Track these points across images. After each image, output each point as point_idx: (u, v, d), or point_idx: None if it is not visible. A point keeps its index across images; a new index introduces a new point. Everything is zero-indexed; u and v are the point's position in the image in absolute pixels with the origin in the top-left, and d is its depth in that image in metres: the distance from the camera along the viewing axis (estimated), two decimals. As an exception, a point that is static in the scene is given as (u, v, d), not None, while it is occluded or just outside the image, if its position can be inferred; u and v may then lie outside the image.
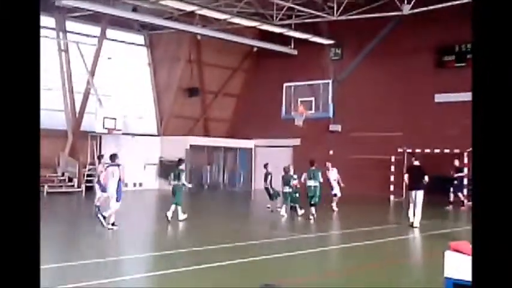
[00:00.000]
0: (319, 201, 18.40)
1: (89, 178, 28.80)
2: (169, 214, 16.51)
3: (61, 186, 27.47)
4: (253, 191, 33.33)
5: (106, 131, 27.70)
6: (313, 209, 17.94)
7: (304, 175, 18.79)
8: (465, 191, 23.05)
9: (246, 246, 12.89)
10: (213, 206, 24.97)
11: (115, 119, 27.85)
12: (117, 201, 14.80)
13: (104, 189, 15.94)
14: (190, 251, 11.93)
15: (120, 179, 14.78)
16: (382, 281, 9.45)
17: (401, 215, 19.17)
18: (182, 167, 17.48)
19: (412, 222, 16.48)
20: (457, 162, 23.66)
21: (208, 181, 33.05)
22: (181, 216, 16.72)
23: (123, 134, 29.25)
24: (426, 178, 16.48)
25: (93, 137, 29.10)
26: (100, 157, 20.08)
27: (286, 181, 19.10)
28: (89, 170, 28.76)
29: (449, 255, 6.61)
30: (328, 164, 20.96)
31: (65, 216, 19.57)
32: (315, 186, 18.20)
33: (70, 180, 28.14)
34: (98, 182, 17.36)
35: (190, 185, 18.02)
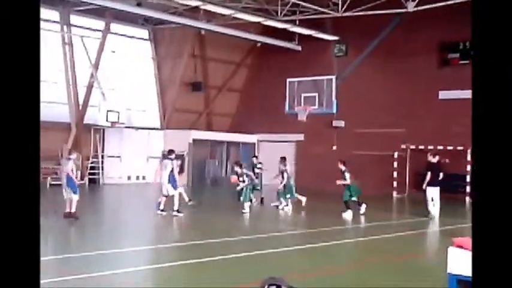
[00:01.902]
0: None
1: (91, 171, 28.96)
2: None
3: (64, 178, 27.49)
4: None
5: (109, 124, 27.78)
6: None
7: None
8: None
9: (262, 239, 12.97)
10: (217, 200, 25.03)
11: (118, 112, 27.93)
12: (174, 189, 16.86)
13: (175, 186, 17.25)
14: (200, 244, 12.02)
15: (172, 171, 16.96)
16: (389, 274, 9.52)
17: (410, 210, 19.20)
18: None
19: (433, 216, 17.65)
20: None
21: (211, 175, 33.13)
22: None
23: (126, 127, 29.34)
24: (441, 175, 17.70)
25: (97, 130, 29.18)
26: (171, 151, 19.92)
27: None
28: (91, 162, 28.90)
29: (452, 251, 6.67)
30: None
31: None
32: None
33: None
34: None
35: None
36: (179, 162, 18.65)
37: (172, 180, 16.97)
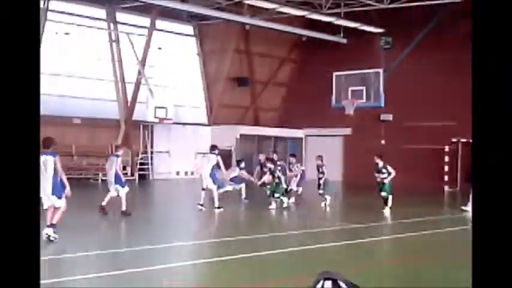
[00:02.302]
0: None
1: (141, 166, 29.38)
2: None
3: (114, 174, 27.98)
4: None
5: (157, 120, 28.09)
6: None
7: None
8: None
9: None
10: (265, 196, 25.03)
11: (166, 108, 28.20)
12: (214, 183, 16.76)
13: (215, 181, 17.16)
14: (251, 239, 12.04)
15: (217, 165, 16.82)
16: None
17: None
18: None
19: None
20: None
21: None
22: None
23: (174, 123, 29.61)
24: None
25: (145, 126, 29.58)
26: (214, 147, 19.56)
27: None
28: (141, 158, 29.31)
29: None
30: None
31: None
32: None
33: (123, 168, 28.61)
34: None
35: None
36: (244, 166, 19.55)
37: (213, 175, 16.91)
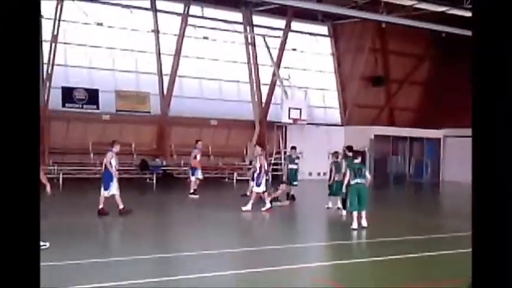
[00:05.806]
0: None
1: (274, 167, 29.68)
2: None
3: (249, 174, 28.59)
4: (441, 182, 32.07)
5: (291, 121, 28.25)
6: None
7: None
8: None
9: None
10: (402, 198, 24.37)
11: (300, 109, 28.29)
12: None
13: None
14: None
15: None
16: None
17: None
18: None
19: None
20: None
21: (394, 172, 32.35)
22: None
23: (307, 124, 29.62)
24: None
25: (279, 127, 29.83)
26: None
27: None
28: (274, 159, 29.62)
29: None
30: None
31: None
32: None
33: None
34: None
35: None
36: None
37: None
